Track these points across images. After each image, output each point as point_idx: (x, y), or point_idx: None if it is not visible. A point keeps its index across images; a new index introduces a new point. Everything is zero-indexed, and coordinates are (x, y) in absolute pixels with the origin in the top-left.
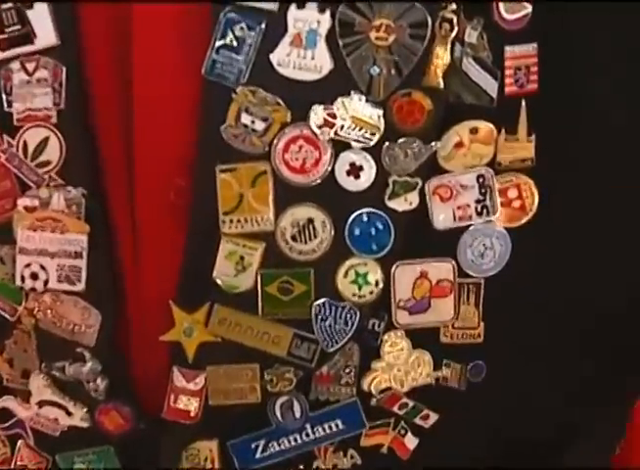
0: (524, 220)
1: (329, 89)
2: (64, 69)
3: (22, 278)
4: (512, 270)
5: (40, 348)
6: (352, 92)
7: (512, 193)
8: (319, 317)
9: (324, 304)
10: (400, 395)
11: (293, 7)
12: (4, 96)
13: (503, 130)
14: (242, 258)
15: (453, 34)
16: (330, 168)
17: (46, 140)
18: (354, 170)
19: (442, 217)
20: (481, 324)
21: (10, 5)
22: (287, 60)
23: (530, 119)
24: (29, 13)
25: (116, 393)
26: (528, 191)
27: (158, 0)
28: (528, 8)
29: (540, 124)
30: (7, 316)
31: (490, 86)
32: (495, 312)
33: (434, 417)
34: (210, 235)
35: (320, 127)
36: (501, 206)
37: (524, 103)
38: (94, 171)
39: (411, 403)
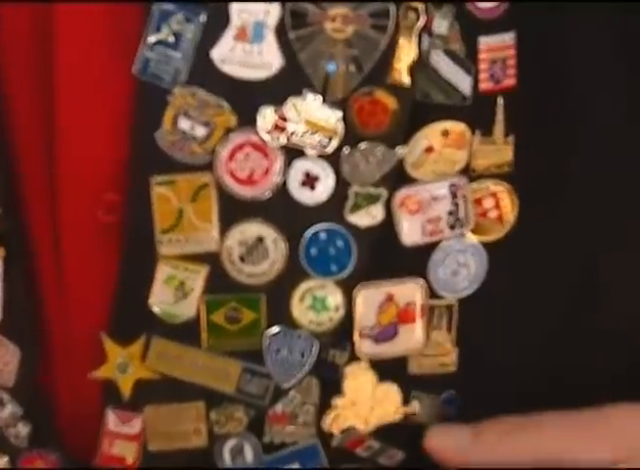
0: (501, 233)
1: (279, 89)
2: None
3: None
4: (488, 289)
5: None
6: (306, 91)
7: (488, 203)
8: (272, 349)
9: (277, 333)
10: (364, 436)
11: None
12: None
13: (478, 132)
14: (182, 283)
15: (420, 24)
16: (281, 179)
17: None
18: (309, 181)
19: (411, 232)
20: (454, 350)
21: None
22: (230, 56)
23: (508, 119)
24: None
25: (41, 439)
26: (507, 200)
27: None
28: None
29: (519, 124)
30: None
31: (463, 82)
32: (470, 336)
33: (400, 455)
34: (146, 257)
35: (269, 132)
36: (476, 217)
37: (500, 100)
38: (9, 186)
39: (376, 445)
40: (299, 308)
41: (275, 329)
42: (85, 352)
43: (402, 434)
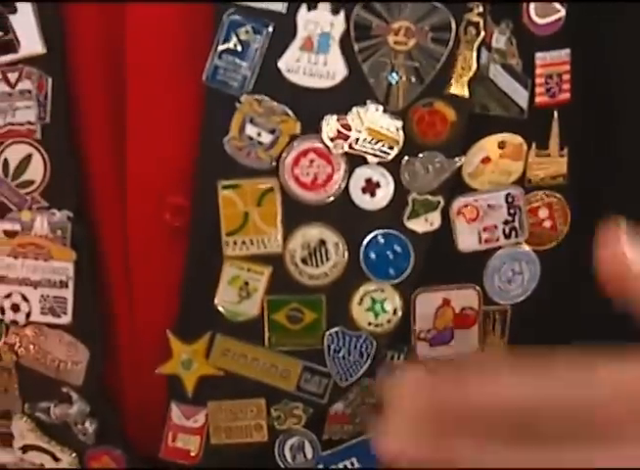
0: (554, 242)
1: (343, 98)
2: (49, 80)
3: (2, 310)
4: (540, 296)
5: (22, 387)
6: (369, 101)
7: (542, 213)
8: (332, 348)
9: (337, 333)
10: None
11: (303, 8)
12: None
13: (534, 144)
14: (246, 283)
15: (479, 39)
16: (344, 185)
17: (29, 158)
18: (370, 187)
19: (467, 240)
20: None
21: None
22: (296, 65)
23: (563, 132)
24: (12, 18)
25: (107, 436)
26: (560, 211)
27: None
28: (561, 11)
29: (573, 137)
30: None
31: (520, 96)
32: (521, 343)
33: None
34: (212, 258)
35: (333, 140)
36: (531, 226)
37: (556, 114)
38: (81, 192)
39: None
40: (358, 310)
41: (335, 329)
42: (151, 349)
43: None
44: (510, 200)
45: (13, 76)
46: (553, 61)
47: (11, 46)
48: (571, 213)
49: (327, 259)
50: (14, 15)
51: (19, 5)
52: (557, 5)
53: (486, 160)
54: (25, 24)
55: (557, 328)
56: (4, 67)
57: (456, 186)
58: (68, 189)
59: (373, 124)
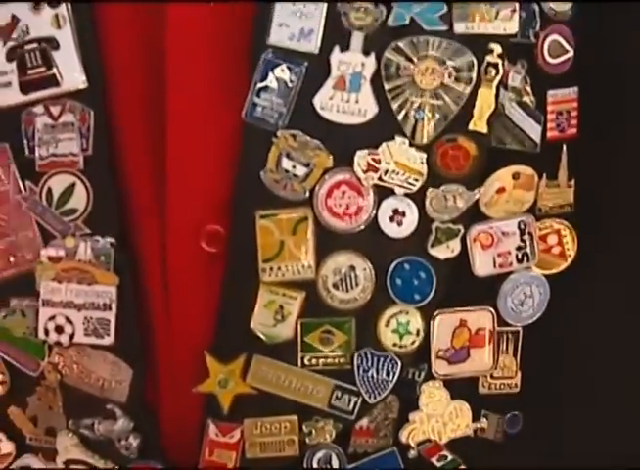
0: (562, 267)
1: (373, 133)
2: (91, 112)
3: (46, 331)
4: (549, 318)
5: (66, 405)
6: (397, 137)
7: (552, 239)
8: (361, 368)
9: (366, 353)
10: (440, 446)
11: (336, 49)
12: (25, 141)
13: (544, 176)
14: (281, 307)
15: (498, 78)
16: (373, 215)
17: (72, 187)
18: (397, 217)
19: (483, 265)
20: (518, 374)
21: (34, 46)
22: (330, 103)
23: (570, 164)
24: (55, 54)
25: (149, 450)
26: (568, 237)
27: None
28: (570, 51)
29: (579, 169)
30: (29, 372)
31: (534, 131)
32: (532, 361)
33: None
34: (249, 283)
35: (365, 172)
36: (541, 252)
37: (564, 147)
38: (123, 220)
39: (450, 457)
40: (385, 332)
41: (364, 350)
42: (188, 369)
43: (471, 449)
44: (522, 227)
45: (56, 110)
46: (563, 98)
47: (54, 81)
48: (579, 240)
49: (356, 285)
50: (56, 50)
51: (61, 41)
52: (566, 45)
53: (501, 190)
54: (68, 59)
55: (566, 347)
56: (47, 100)
57: (473, 215)
58: (110, 217)
59: (400, 158)
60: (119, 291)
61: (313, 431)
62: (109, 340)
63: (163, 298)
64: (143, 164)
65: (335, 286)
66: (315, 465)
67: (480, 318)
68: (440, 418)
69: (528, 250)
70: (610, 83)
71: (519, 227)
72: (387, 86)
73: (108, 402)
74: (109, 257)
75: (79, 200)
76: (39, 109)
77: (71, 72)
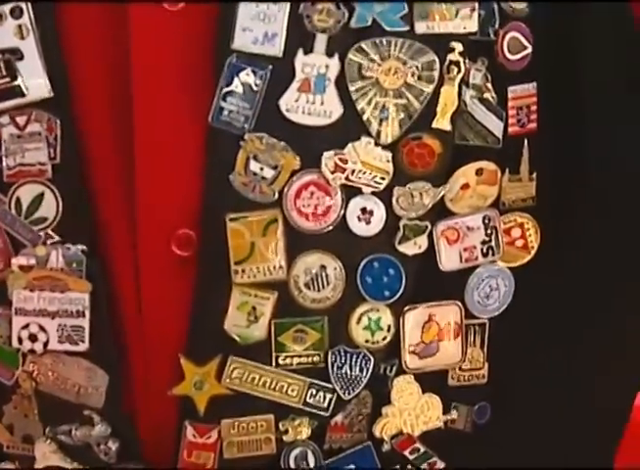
0: (526, 259)
1: (339, 134)
2: (58, 121)
3: (20, 340)
4: (514, 310)
5: (42, 412)
6: (362, 137)
7: (515, 232)
8: (335, 365)
9: (339, 351)
10: (413, 438)
11: (300, 52)
12: None
13: (507, 170)
14: (254, 308)
15: (460, 76)
16: (342, 214)
17: (41, 196)
18: (365, 215)
19: (450, 260)
20: (486, 365)
21: None
22: (295, 105)
23: (532, 159)
24: (19, 64)
25: (127, 454)
26: (532, 230)
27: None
28: (529, 48)
29: (540, 163)
30: (4, 381)
31: (496, 127)
32: (499, 352)
33: (440, 465)
34: (221, 286)
35: (332, 173)
36: (505, 245)
37: (526, 142)
38: (94, 227)
39: (422, 449)
40: (357, 329)
41: (337, 347)
42: (163, 372)
43: (442, 441)
44: (487, 221)
45: (22, 120)
46: (523, 93)
47: (19, 91)
48: (542, 232)
49: (327, 284)
50: (21, 61)
51: (25, 51)
52: (525, 42)
53: (466, 186)
54: (32, 69)
55: (531, 337)
56: (12, 111)
57: (439, 211)
58: (80, 224)
59: (367, 157)
60: (92, 297)
61: (289, 428)
62: (83, 346)
63: (136, 303)
64: (111, 171)
65: (306, 286)
66: (292, 462)
67: (448, 312)
68: (412, 411)
69: (493, 243)
70: (567, 77)
71: (483, 222)
72: (351, 87)
73: (84, 408)
74: (80, 264)
75: (49, 208)
76: (5, 119)
77: (36, 82)
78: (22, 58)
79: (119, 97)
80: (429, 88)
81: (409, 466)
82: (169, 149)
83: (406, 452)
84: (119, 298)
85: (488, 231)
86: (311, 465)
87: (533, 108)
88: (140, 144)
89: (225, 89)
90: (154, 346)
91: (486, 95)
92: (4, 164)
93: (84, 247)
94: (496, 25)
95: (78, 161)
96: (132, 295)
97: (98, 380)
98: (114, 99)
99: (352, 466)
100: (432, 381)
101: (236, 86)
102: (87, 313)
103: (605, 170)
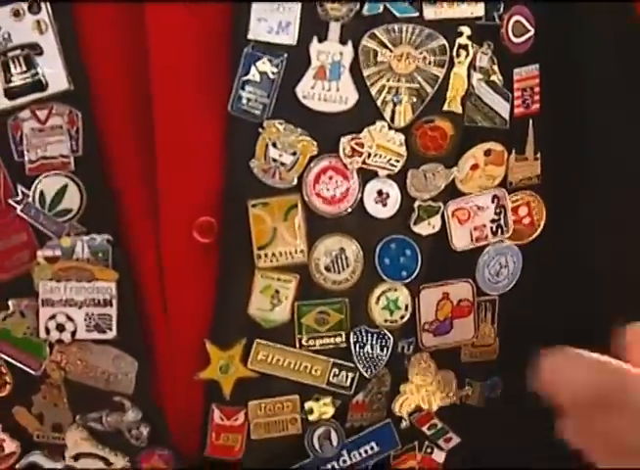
0: (533, 236)
1: (355, 119)
2: (79, 114)
3: (47, 330)
4: (522, 286)
5: (72, 400)
6: (377, 121)
7: (522, 211)
8: (357, 345)
9: (360, 331)
10: (431, 415)
11: (314, 40)
12: (13, 146)
13: (513, 150)
14: (277, 291)
15: (469, 60)
16: (359, 197)
17: (64, 188)
18: (381, 198)
19: (461, 239)
20: (496, 340)
21: (18, 52)
22: (311, 92)
23: (537, 138)
24: (39, 59)
25: (157, 438)
26: (537, 208)
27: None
28: (531, 30)
29: (544, 143)
30: (32, 372)
31: (503, 108)
32: (508, 328)
33: (455, 440)
34: (244, 270)
35: (349, 157)
36: (513, 224)
37: (531, 123)
38: (117, 216)
39: (439, 424)
40: (376, 309)
41: (359, 327)
42: (189, 357)
43: (458, 417)
44: (495, 201)
45: (42, 114)
46: (527, 75)
47: (39, 85)
48: (547, 210)
49: (347, 266)
50: (40, 56)
51: (44, 46)
52: (527, 25)
53: (475, 166)
54: (52, 64)
55: (540, 313)
56: (33, 105)
57: (451, 192)
58: (104, 214)
59: (381, 141)
60: (118, 286)
61: (314, 408)
62: (111, 334)
63: (160, 290)
64: (133, 162)
65: (327, 268)
66: (315, 441)
67: (461, 290)
68: (429, 387)
69: (502, 222)
70: (567, 58)
71: (492, 201)
72: (365, 73)
73: (115, 395)
74: (106, 253)
75: (72, 200)
76: (25, 114)
77: (56, 76)
78: (41, 53)
79: (139, 90)
80: (440, 72)
81: (426, 442)
82: (190, 139)
83: (424, 428)
84: (144, 286)
85: (497, 210)
86: (334, 444)
87: (537, 89)
88: (161, 135)
89: (243, 78)
90: (179, 331)
91: (493, 78)
92: (26, 158)
93: (109, 237)
94: (501, 10)
95: (100, 152)
96: (156, 283)
97: (127, 367)
98: (133, 92)
99: (373, 443)
100: (446, 358)
101: (253, 75)
102: (114, 302)
103: (605, 152)
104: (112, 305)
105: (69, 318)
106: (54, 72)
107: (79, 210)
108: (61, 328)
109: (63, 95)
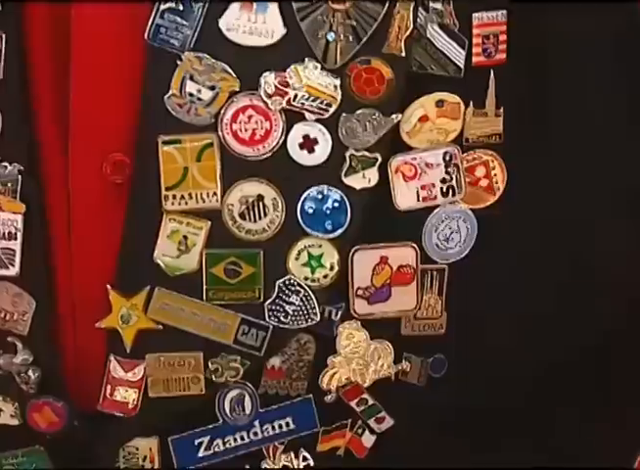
0: (490, 201)
1: (281, 56)
2: (3, 36)
3: None
4: (477, 255)
5: None
6: (307, 59)
7: (479, 171)
8: (271, 302)
9: (275, 287)
10: (361, 389)
11: None
12: None
13: (471, 103)
14: (185, 237)
15: None
16: (282, 141)
17: None
18: (308, 144)
19: (405, 198)
20: (444, 314)
21: None
22: (236, 24)
23: (498, 92)
24: None
25: (49, 386)
26: (497, 169)
27: None
28: None
29: (508, 98)
30: None
31: (457, 56)
32: (459, 301)
33: (388, 422)
34: (152, 213)
35: (271, 96)
36: (467, 185)
37: (492, 74)
38: (31, 146)
39: (370, 401)
40: (295, 265)
41: (274, 284)
42: (92, 303)
43: (393, 396)
44: (447, 158)
45: None
46: (490, 21)
47: None
48: (508, 173)
49: (265, 215)
50: None
51: None
52: None
53: (424, 118)
54: None
55: (494, 287)
56: None
57: (394, 145)
58: (19, 143)
59: (311, 82)
60: (25, 220)
61: (219, 368)
62: (14, 270)
63: (67, 228)
64: (51, 89)
65: (242, 216)
66: (227, 406)
67: (403, 255)
68: (361, 359)
69: (454, 183)
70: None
71: (444, 158)
72: (295, 6)
73: (9, 335)
74: (15, 184)
75: None
76: None
77: None
78: None
79: (60, 15)
80: (379, 10)
81: (359, 422)
82: (105, 69)
83: (353, 403)
84: (51, 223)
85: (449, 169)
86: (247, 411)
87: (502, 37)
88: (76, 63)
89: (163, 6)
90: (83, 274)
91: (447, 21)
92: None
93: (21, 167)
94: None
95: (20, 77)
96: (64, 221)
97: (25, 306)
98: (54, 17)
99: (289, 419)
100: (382, 328)
101: (175, 3)
102: (19, 236)
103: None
104: (16, 238)
105: None
106: None
107: None
108: None
109: None
